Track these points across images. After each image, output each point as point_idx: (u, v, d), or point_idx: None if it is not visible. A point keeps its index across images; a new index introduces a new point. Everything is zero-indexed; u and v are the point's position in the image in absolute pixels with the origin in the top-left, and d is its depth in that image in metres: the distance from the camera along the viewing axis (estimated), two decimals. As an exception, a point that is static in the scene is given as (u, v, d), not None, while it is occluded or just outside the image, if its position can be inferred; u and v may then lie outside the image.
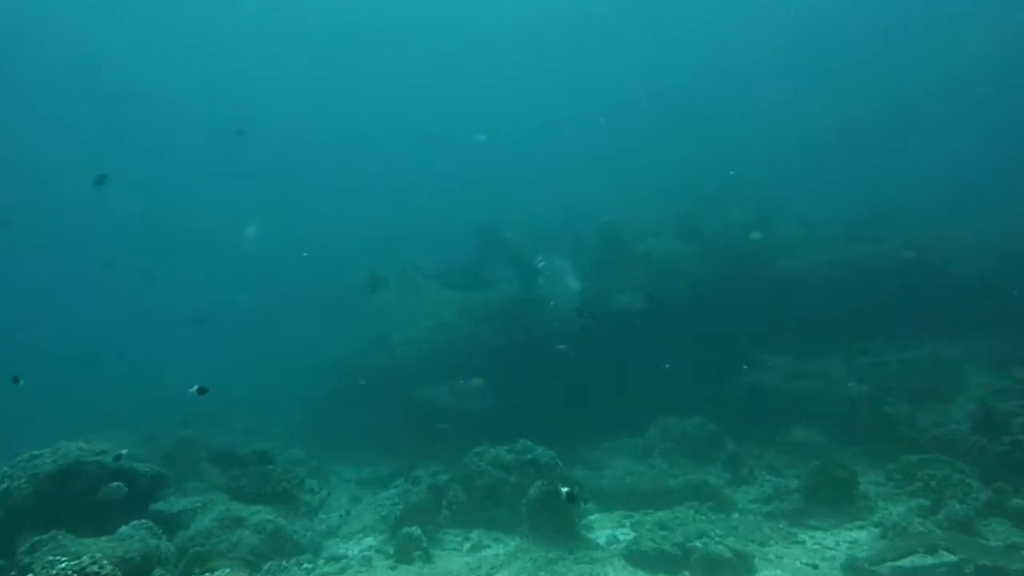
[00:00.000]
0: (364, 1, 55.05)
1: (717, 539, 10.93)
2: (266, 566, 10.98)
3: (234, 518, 11.67)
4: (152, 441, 17.70)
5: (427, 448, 16.18)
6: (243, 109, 49.18)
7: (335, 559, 12.05)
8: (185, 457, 16.64)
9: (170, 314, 35.99)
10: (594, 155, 43.78)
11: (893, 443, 13.74)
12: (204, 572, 9.90)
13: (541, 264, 18.13)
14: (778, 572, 10.34)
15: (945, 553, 9.70)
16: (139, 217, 48.68)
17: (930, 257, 18.86)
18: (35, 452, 11.70)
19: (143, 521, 10.60)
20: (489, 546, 12.27)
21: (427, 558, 11.68)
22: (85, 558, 7.71)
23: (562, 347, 16.13)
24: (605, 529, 12.61)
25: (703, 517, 12.28)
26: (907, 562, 9.78)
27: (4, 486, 11.04)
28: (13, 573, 9.52)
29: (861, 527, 11.80)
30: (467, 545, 12.40)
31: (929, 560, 9.75)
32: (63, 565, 7.56)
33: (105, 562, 7.69)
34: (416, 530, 11.95)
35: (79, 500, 11.16)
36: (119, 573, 7.75)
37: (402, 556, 11.72)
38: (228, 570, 9.93)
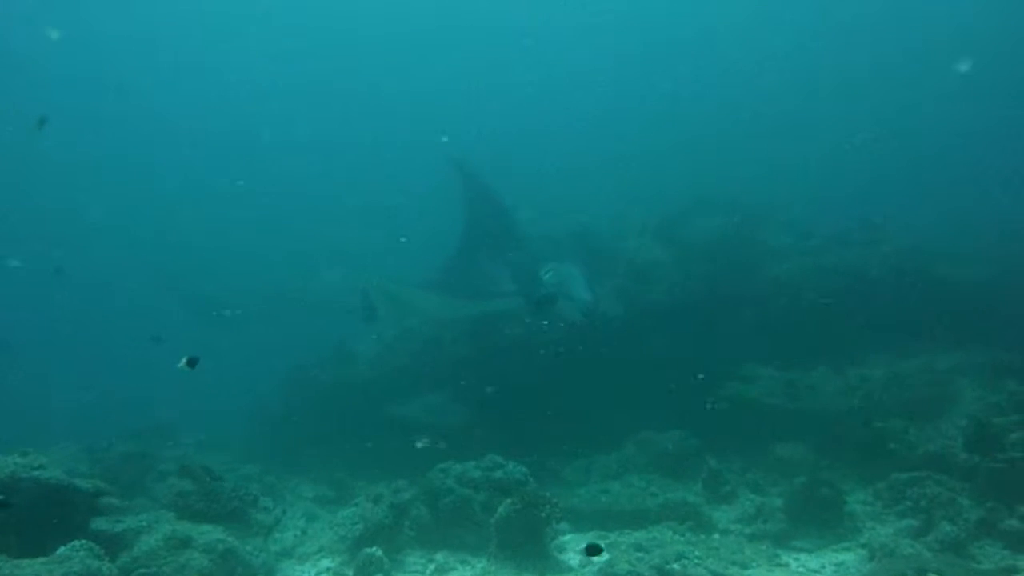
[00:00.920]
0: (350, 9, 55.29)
1: (696, 561, 10.98)
2: (216, 590, 10.90)
3: (182, 538, 11.52)
4: (95, 455, 17.52)
5: (390, 464, 16.14)
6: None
7: (290, 582, 12.02)
8: (130, 473, 16.52)
9: (117, 319, 35.77)
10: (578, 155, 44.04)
11: (882, 460, 13.82)
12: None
13: (548, 274, 17.32)
14: (760, 596, 10.41)
15: (935, 577, 9.79)
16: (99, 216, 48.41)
17: (924, 264, 18.99)
18: (-35, 466, 11.51)
19: (83, 542, 10.44)
20: (455, 568, 12.25)
21: (388, 581, 11.67)
22: (18, 582, 7.63)
23: (560, 350, 15.94)
24: (578, 550, 12.62)
25: (682, 538, 12.30)
26: (895, 586, 9.87)
27: (-69, 503, 10.86)
28: None
29: (848, 549, 11.87)
30: (431, 567, 12.37)
31: (918, 584, 9.83)
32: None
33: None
34: (377, 551, 11.89)
35: (14, 520, 10.99)
36: (55, 598, 7.67)
37: (361, 579, 11.69)
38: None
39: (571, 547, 12.78)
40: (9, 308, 40.01)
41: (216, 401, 24.77)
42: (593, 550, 9.80)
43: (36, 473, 11.55)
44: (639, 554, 11.34)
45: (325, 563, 12.88)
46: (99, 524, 11.81)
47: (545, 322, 16.55)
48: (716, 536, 12.59)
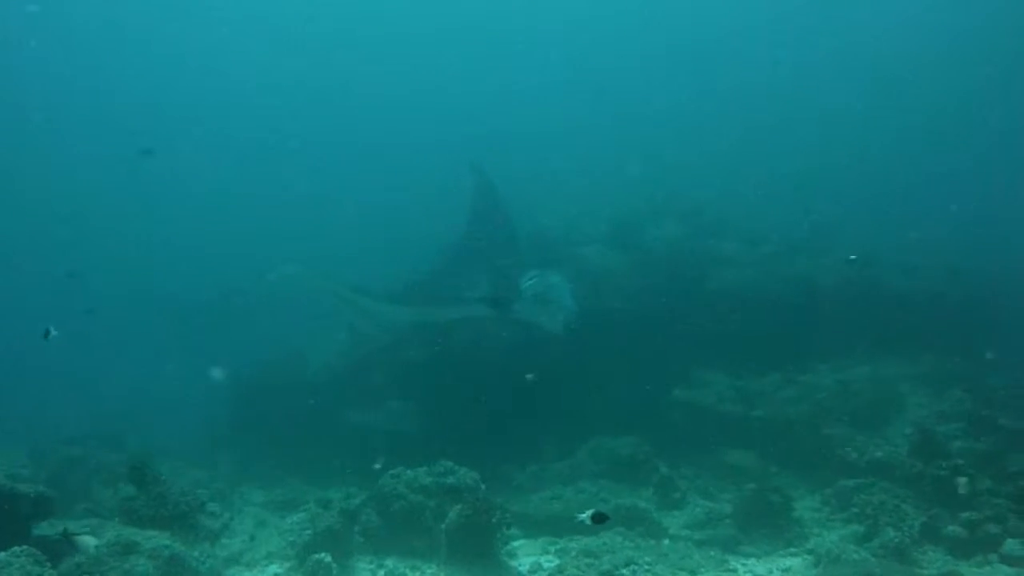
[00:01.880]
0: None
1: (646, 567, 11.09)
2: (161, 596, 10.77)
3: (127, 544, 11.35)
4: (37, 459, 17.26)
5: (341, 469, 16.08)
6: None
7: (237, 588, 11.92)
8: (74, 477, 16.30)
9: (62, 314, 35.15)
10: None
11: (830, 467, 14.06)
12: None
13: (531, 281, 17.00)
14: (708, 602, 10.53)
15: (878, 582, 9.96)
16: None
17: (872, 271, 19.27)
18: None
19: (24, 547, 10.24)
20: (405, 574, 12.22)
21: (337, 587, 11.63)
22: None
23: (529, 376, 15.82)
24: (529, 556, 12.67)
25: (632, 544, 12.36)
26: (840, 591, 10.03)
27: None
28: None
29: (795, 555, 12.07)
30: (381, 573, 12.37)
31: (862, 589, 10.00)
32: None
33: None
34: (326, 557, 11.85)
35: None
36: (-6, 605, 7.55)
37: (310, 585, 11.64)
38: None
39: (522, 553, 12.85)
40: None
41: (165, 404, 24.47)
42: (599, 518, 9.67)
43: (-25, 477, 11.38)
44: (589, 560, 11.40)
45: (273, 569, 12.79)
46: (42, 529, 11.65)
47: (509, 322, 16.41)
48: (666, 542, 12.69)
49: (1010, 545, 11.12)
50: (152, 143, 37.98)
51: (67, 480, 16.02)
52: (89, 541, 10.78)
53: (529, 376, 15.43)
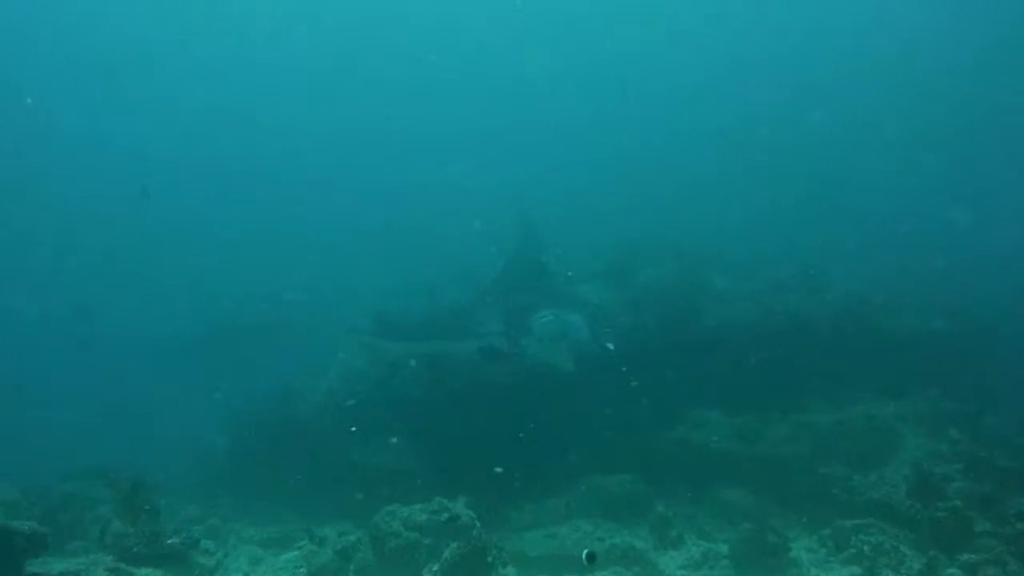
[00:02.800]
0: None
1: (642, 608, 11.01)
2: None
3: (119, 582, 11.36)
4: (31, 495, 17.16)
5: (336, 506, 16.01)
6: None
7: (231, 627, 11.83)
8: (68, 513, 16.21)
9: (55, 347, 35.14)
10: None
11: (827, 507, 13.99)
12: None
13: (545, 319, 16.81)
14: (705, 644, 10.44)
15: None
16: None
17: (866, 312, 19.30)
18: None
19: (17, 585, 10.22)
20: (400, 614, 12.17)
21: (332, 627, 11.54)
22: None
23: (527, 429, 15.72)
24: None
25: (628, 584, 12.33)
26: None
27: None
28: None
29: (792, 596, 12.00)
30: (376, 612, 12.29)
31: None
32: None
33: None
34: (320, 596, 11.80)
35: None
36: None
37: (304, 625, 11.56)
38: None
39: (517, 592, 12.75)
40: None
41: (160, 440, 24.40)
42: (591, 558, 9.67)
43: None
44: (585, 600, 11.34)
45: (267, 608, 12.72)
46: (34, 567, 11.56)
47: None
48: (662, 582, 12.63)
49: (1009, 588, 11.07)
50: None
51: (61, 516, 15.93)
52: None
53: (521, 434, 15.38)
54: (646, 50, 55.41)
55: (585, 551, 9.98)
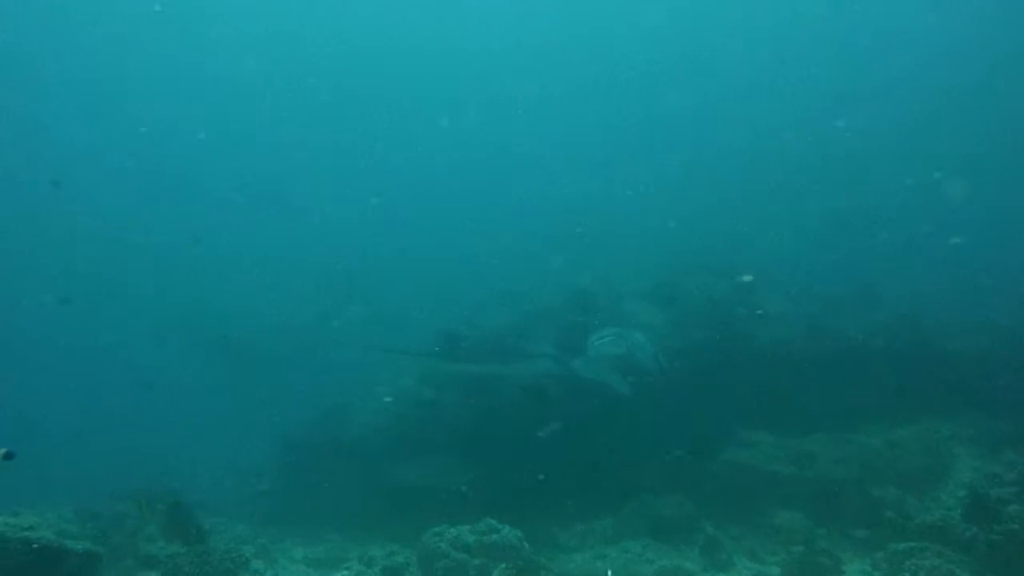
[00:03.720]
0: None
1: (692, 631, 10.90)
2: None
3: (172, 601, 11.49)
4: (84, 515, 17.39)
5: (384, 526, 16.06)
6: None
7: (280, 647, 11.88)
8: (120, 533, 16.39)
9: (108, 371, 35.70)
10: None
11: (880, 529, 13.77)
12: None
13: (605, 339, 16.27)
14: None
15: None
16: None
17: (920, 333, 19.06)
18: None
19: (72, 603, 10.36)
20: (448, 635, 12.14)
21: (380, 648, 11.56)
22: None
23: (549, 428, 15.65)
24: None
25: (678, 606, 12.23)
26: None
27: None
28: None
29: (846, 620, 11.82)
30: (424, 634, 12.29)
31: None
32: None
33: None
34: (369, 616, 11.84)
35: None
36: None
37: (353, 645, 11.59)
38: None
39: (566, 614, 12.70)
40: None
41: (210, 459, 24.67)
42: None
43: (26, 534, 11.47)
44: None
45: (316, 627, 12.76)
46: (88, 586, 11.76)
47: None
48: (713, 605, 12.52)
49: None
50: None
51: (113, 536, 16.10)
52: None
53: (543, 432, 15.32)
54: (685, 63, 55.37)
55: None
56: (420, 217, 53.02)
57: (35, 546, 11.35)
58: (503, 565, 12.01)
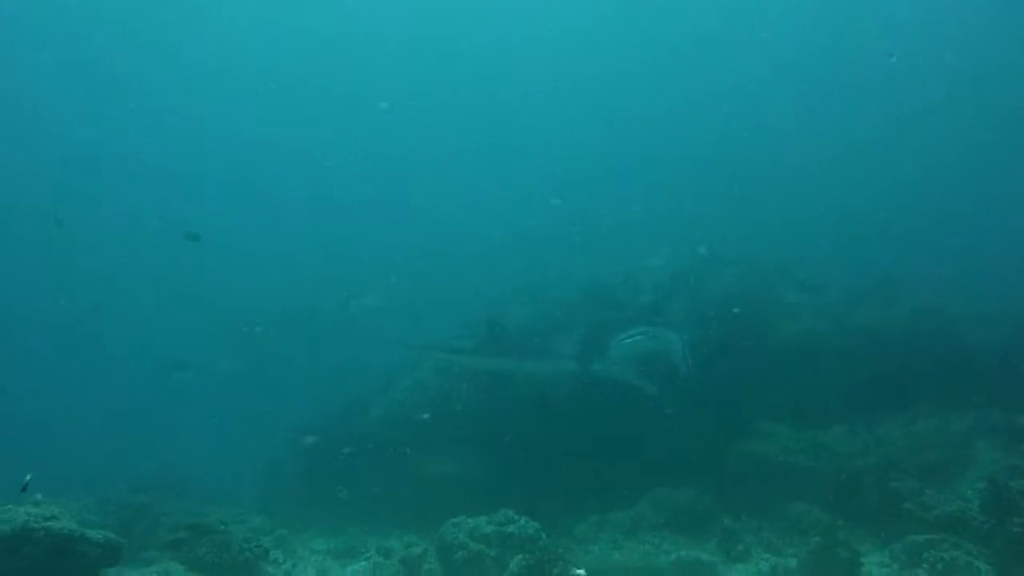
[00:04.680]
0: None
1: (710, 621, 10.91)
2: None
3: (191, 590, 11.59)
4: (105, 506, 17.56)
5: (402, 517, 16.14)
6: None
7: (299, 637, 11.97)
8: (140, 524, 16.55)
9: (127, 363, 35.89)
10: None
11: (899, 521, 13.72)
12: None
13: (636, 338, 16.13)
14: (774, 658, 10.33)
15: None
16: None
17: (942, 324, 18.96)
18: (-23, 517, 11.49)
19: (94, 592, 10.46)
20: (466, 625, 12.20)
21: (399, 637, 11.63)
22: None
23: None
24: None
25: (696, 597, 12.25)
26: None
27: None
28: None
29: (864, 611, 11.80)
30: (442, 623, 12.34)
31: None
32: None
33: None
34: (388, 606, 11.90)
35: (25, 571, 10.99)
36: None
37: (371, 634, 11.66)
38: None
39: (583, 604, 12.71)
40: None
41: (228, 451, 24.83)
42: None
43: (48, 524, 11.56)
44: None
45: (335, 617, 12.84)
46: (109, 575, 11.85)
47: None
48: (730, 596, 12.52)
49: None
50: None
51: (133, 527, 16.25)
52: None
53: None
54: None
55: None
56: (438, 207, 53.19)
57: (57, 535, 11.46)
58: (520, 556, 12.04)
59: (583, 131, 57.06)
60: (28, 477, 9.89)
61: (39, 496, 12.48)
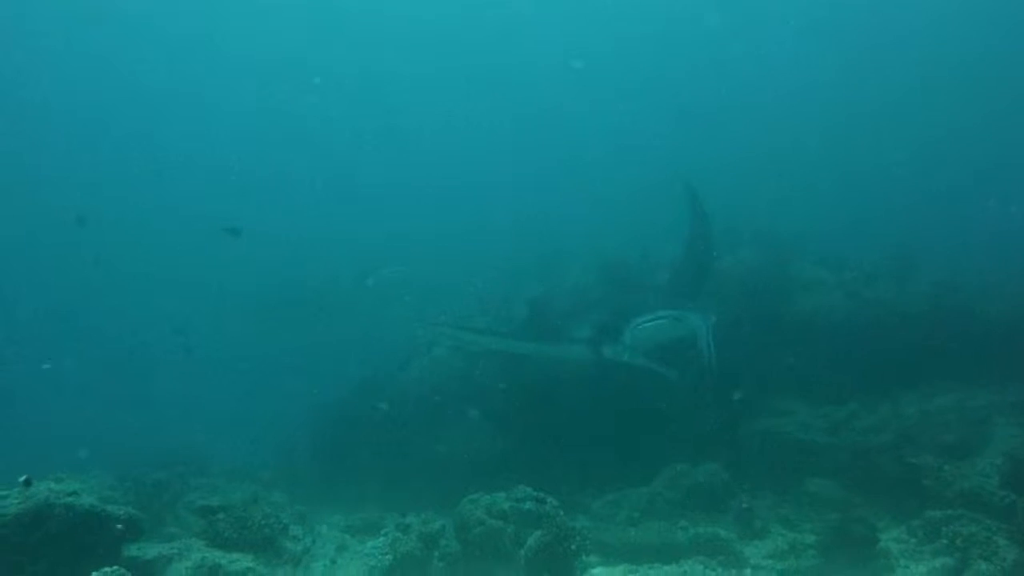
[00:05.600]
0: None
1: (727, 597, 10.95)
2: (245, 618, 11.00)
3: (212, 566, 11.67)
4: (125, 482, 17.72)
5: (420, 494, 16.23)
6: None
7: (319, 612, 12.08)
8: (160, 500, 16.70)
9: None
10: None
11: (916, 497, 13.71)
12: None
13: (659, 321, 15.29)
14: (791, 633, 10.36)
15: (970, 616, 9.71)
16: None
17: (957, 298, 18.86)
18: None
19: (115, 568, 10.51)
20: (484, 600, 12.28)
21: (417, 612, 11.71)
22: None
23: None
24: (610, 582, 12.61)
25: (713, 573, 12.26)
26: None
27: (-36, 531, 10.95)
28: None
29: (881, 587, 11.81)
30: (460, 598, 12.42)
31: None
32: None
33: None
34: (406, 582, 11.98)
35: (47, 546, 11.12)
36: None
37: (390, 610, 11.75)
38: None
39: (600, 580, 12.78)
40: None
41: (248, 427, 25.00)
42: None
43: (69, 499, 11.66)
44: (669, 588, 11.32)
45: (354, 593, 12.94)
46: (131, 551, 11.98)
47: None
48: (748, 571, 12.51)
49: (1109, 580, 10.75)
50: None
51: (154, 503, 16.41)
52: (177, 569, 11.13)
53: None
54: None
55: None
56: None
57: (79, 511, 11.57)
58: (538, 532, 12.10)
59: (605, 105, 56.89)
60: (24, 478, 10.07)
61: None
